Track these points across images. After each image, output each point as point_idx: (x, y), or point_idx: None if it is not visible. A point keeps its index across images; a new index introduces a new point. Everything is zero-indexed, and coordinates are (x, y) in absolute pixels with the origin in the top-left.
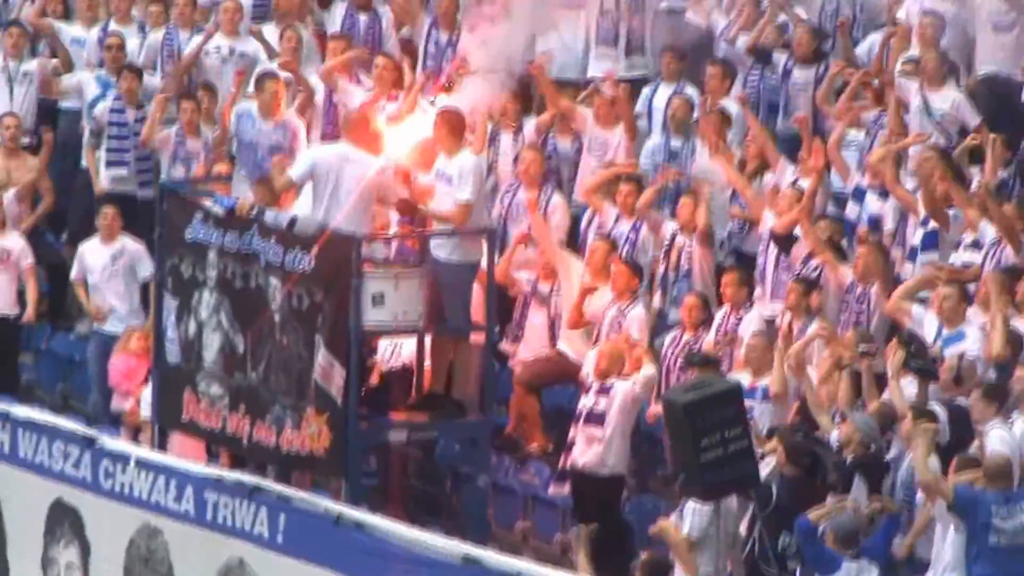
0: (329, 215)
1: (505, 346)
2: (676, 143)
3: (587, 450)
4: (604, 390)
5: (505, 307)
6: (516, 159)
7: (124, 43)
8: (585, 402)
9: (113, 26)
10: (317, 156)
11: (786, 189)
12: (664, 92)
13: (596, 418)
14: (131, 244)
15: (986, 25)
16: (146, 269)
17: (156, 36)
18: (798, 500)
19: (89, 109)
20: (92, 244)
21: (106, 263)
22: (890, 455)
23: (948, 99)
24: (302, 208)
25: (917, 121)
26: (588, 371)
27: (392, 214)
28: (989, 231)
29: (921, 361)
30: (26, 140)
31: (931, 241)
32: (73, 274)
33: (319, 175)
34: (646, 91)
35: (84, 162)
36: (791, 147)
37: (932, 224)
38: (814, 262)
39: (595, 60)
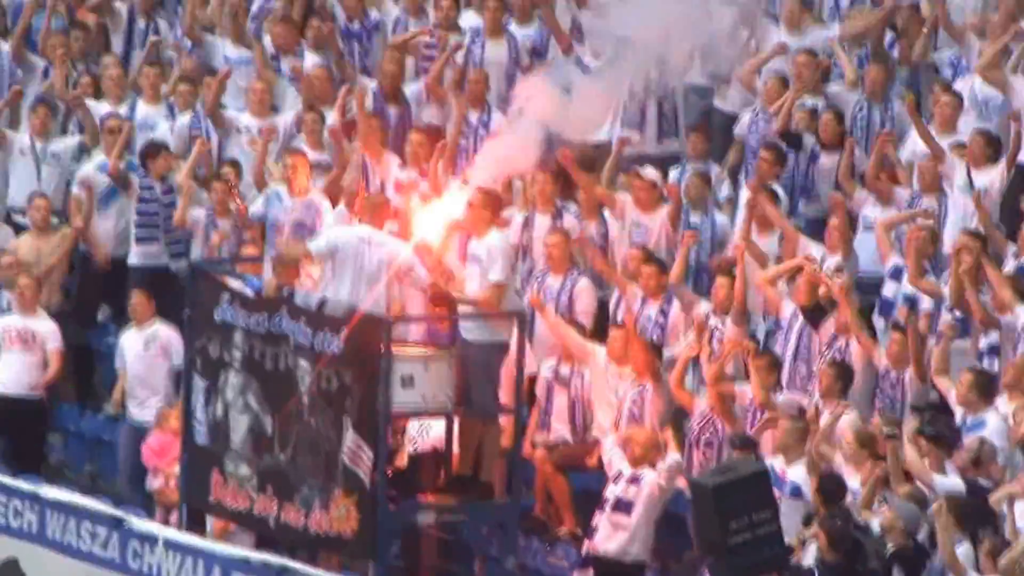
0: (353, 297)
1: (535, 435)
2: (695, 219)
3: (612, 536)
4: (635, 479)
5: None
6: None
7: (123, 126)
8: (614, 490)
9: (141, 106)
10: (339, 238)
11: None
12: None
13: (624, 506)
14: (164, 330)
15: None
16: (179, 356)
17: (184, 120)
18: None
19: (101, 200)
20: (128, 332)
21: (139, 350)
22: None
23: (991, 176)
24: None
25: (958, 200)
26: (611, 458)
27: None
28: (1023, 314)
29: (935, 428)
30: (55, 220)
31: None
32: (118, 363)
33: (340, 257)
34: (674, 173)
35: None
36: (817, 229)
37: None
38: (839, 342)
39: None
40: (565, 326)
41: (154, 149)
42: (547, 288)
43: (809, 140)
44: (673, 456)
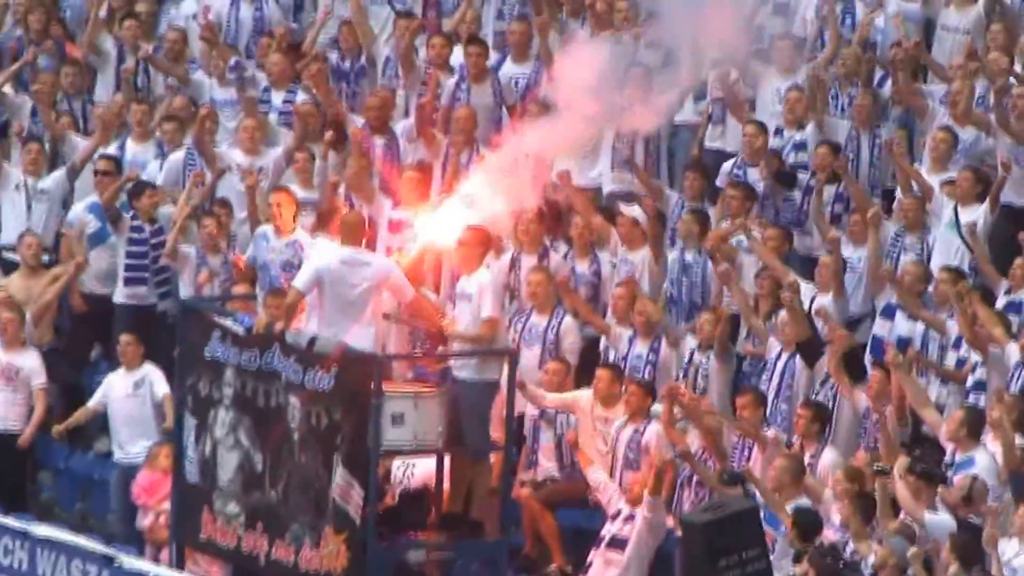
0: (339, 323)
1: (520, 473)
2: (689, 257)
3: (604, 573)
4: (630, 517)
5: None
6: None
7: (118, 164)
8: (610, 528)
9: (131, 144)
10: (321, 264)
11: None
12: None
13: (618, 543)
14: (153, 372)
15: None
16: (162, 390)
17: (177, 156)
18: None
19: (91, 241)
20: (118, 373)
21: (128, 392)
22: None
23: (976, 212)
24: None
25: (944, 237)
26: (611, 497)
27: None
28: (1015, 352)
29: (925, 465)
30: (45, 258)
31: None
32: (93, 401)
33: (324, 282)
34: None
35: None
36: (810, 267)
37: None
38: (829, 384)
39: (610, 180)
40: (542, 393)
41: (139, 188)
42: (532, 327)
43: (803, 176)
44: (647, 500)
